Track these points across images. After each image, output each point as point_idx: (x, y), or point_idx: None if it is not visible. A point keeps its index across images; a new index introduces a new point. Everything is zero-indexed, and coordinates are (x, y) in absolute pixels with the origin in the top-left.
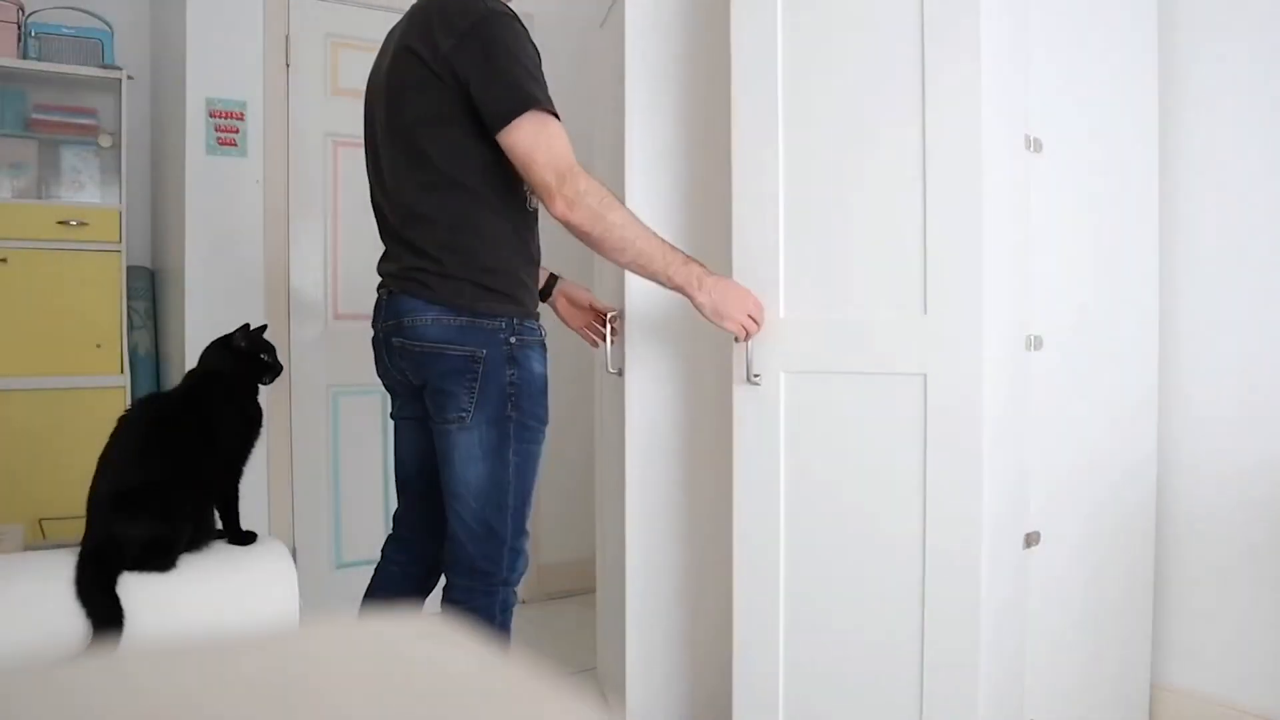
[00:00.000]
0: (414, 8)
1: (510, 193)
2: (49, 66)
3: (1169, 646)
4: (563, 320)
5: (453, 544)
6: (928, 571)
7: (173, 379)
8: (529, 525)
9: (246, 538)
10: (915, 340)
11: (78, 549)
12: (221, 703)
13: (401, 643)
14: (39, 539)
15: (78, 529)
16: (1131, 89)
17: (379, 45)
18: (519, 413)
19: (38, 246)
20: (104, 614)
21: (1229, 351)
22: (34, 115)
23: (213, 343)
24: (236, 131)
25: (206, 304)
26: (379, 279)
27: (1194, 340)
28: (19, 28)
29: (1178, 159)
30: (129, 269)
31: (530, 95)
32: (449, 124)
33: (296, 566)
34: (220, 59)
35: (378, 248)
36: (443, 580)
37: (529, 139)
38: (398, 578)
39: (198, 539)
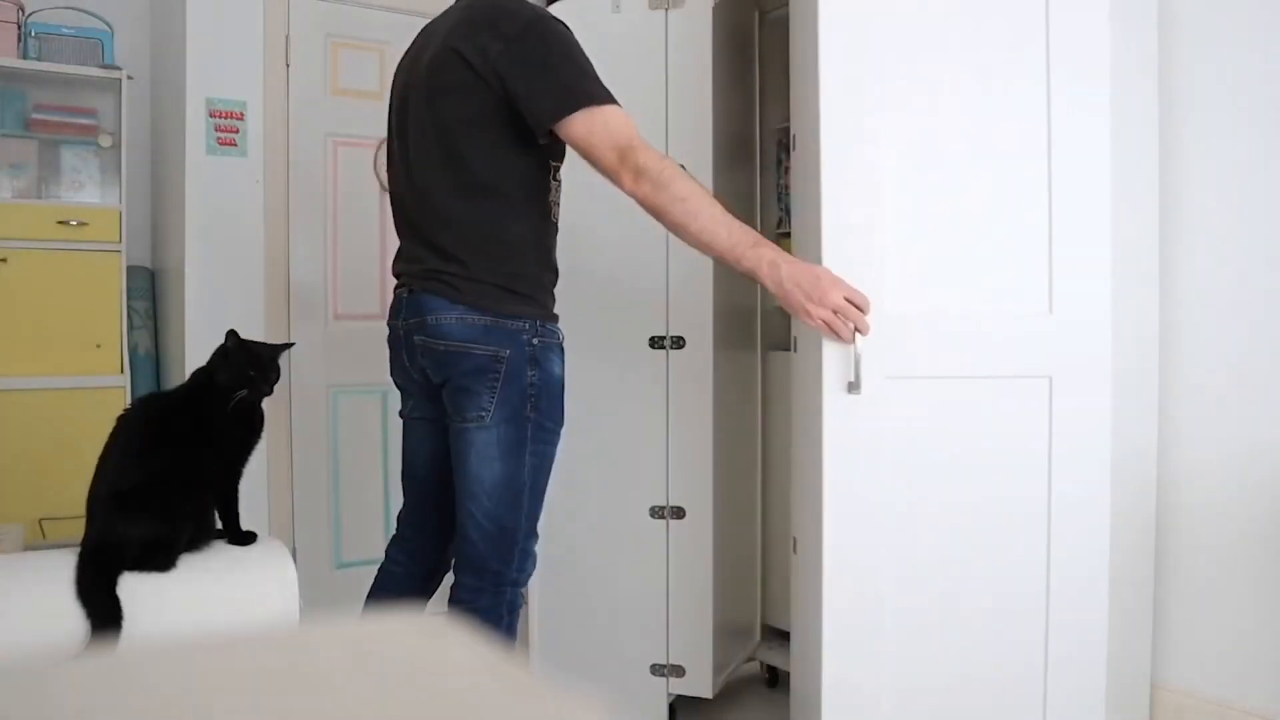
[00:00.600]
0: (457, 7)
1: (539, 201)
2: (49, 66)
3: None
4: None
5: (463, 543)
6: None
7: (173, 379)
8: (539, 527)
9: (246, 538)
10: (1039, 341)
11: (78, 549)
12: (219, 702)
13: (402, 642)
14: (39, 539)
15: (78, 529)
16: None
17: (379, 45)
18: (537, 414)
19: (38, 246)
20: (104, 614)
21: (1223, 339)
22: (34, 115)
23: (223, 349)
24: (236, 131)
25: (206, 304)
26: (395, 276)
27: (1193, 330)
28: (19, 28)
29: (1177, 147)
30: (129, 269)
31: (585, 91)
32: (488, 129)
33: (296, 566)
34: (220, 59)
35: (376, 248)
36: (448, 580)
37: (584, 127)
38: (400, 579)
39: (198, 539)
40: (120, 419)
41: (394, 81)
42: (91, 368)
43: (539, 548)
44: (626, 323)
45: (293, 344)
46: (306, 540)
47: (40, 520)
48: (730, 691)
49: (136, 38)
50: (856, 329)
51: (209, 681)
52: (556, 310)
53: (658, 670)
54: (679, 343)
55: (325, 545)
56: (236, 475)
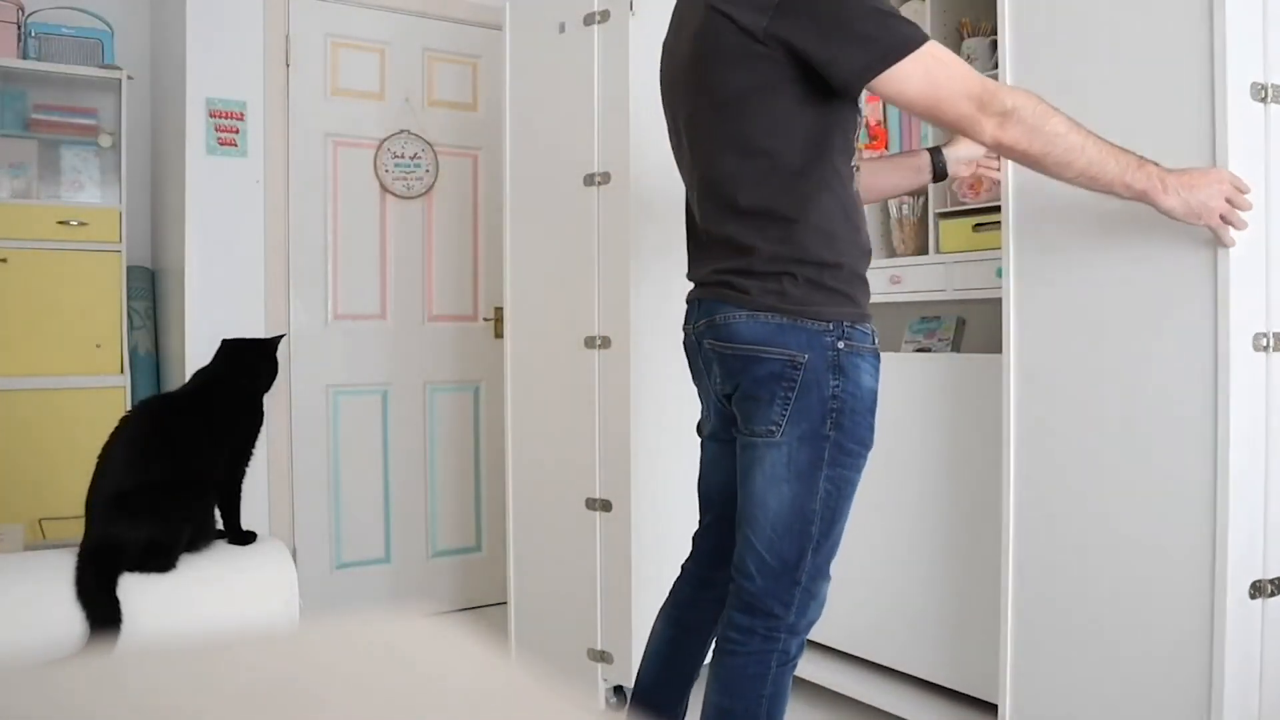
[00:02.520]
0: None
1: (840, 171)
2: (49, 66)
3: None
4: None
5: (738, 574)
6: None
7: (173, 379)
8: (832, 567)
9: (246, 538)
10: None
11: (77, 549)
12: (216, 704)
13: (400, 643)
14: (39, 539)
15: (78, 529)
16: None
17: (379, 45)
18: (839, 431)
19: (38, 246)
20: (103, 615)
21: None
22: (34, 115)
23: (235, 343)
24: (237, 131)
25: (207, 304)
26: (689, 285)
27: None
28: (19, 28)
29: None
30: (129, 269)
31: (895, 36)
32: (774, 94)
33: (296, 567)
34: (220, 59)
35: (376, 248)
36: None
37: (919, 79)
38: (700, 604)
39: (197, 539)
40: (123, 420)
41: (662, 68)
42: (92, 368)
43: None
44: (565, 322)
45: (283, 335)
46: (306, 541)
47: (40, 520)
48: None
49: (136, 37)
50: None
51: (206, 682)
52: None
53: (593, 655)
54: (606, 342)
55: (325, 546)
56: (240, 474)
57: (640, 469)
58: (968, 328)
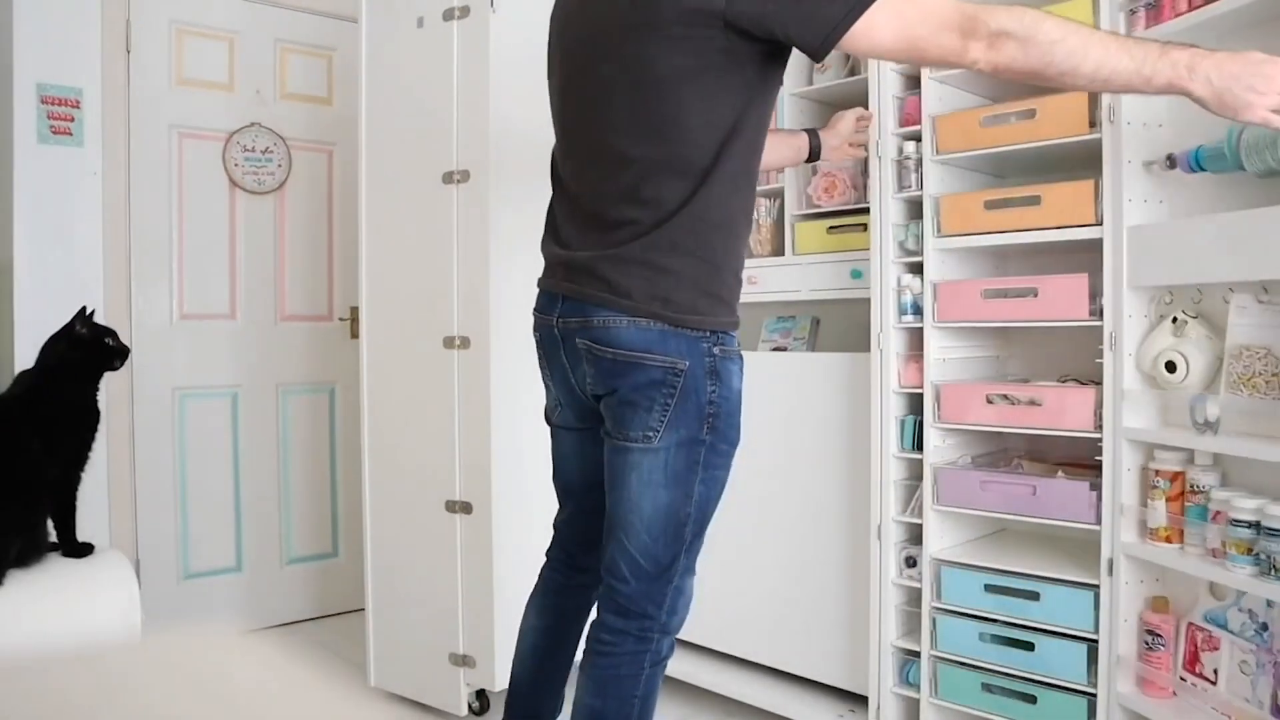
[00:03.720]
0: None
1: (750, 170)
2: None
3: None
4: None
5: (611, 577)
6: None
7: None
8: (697, 562)
9: (83, 550)
10: None
11: None
12: None
13: (209, 658)
14: None
15: None
16: None
17: (228, 35)
18: (714, 435)
19: None
20: None
21: None
22: None
23: (51, 337)
24: (72, 120)
25: (38, 303)
26: (551, 262)
27: None
28: None
29: None
30: None
31: None
32: (701, 81)
33: (140, 579)
34: (53, 43)
35: (225, 246)
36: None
37: (892, 24)
38: (553, 585)
39: (28, 553)
40: None
41: (560, 26)
42: None
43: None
44: (423, 322)
45: (84, 308)
46: (151, 551)
47: None
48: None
49: None
50: None
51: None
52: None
53: (455, 660)
54: (465, 343)
55: (171, 556)
56: (75, 481)
57: (500, 470)
58: (822, 327)
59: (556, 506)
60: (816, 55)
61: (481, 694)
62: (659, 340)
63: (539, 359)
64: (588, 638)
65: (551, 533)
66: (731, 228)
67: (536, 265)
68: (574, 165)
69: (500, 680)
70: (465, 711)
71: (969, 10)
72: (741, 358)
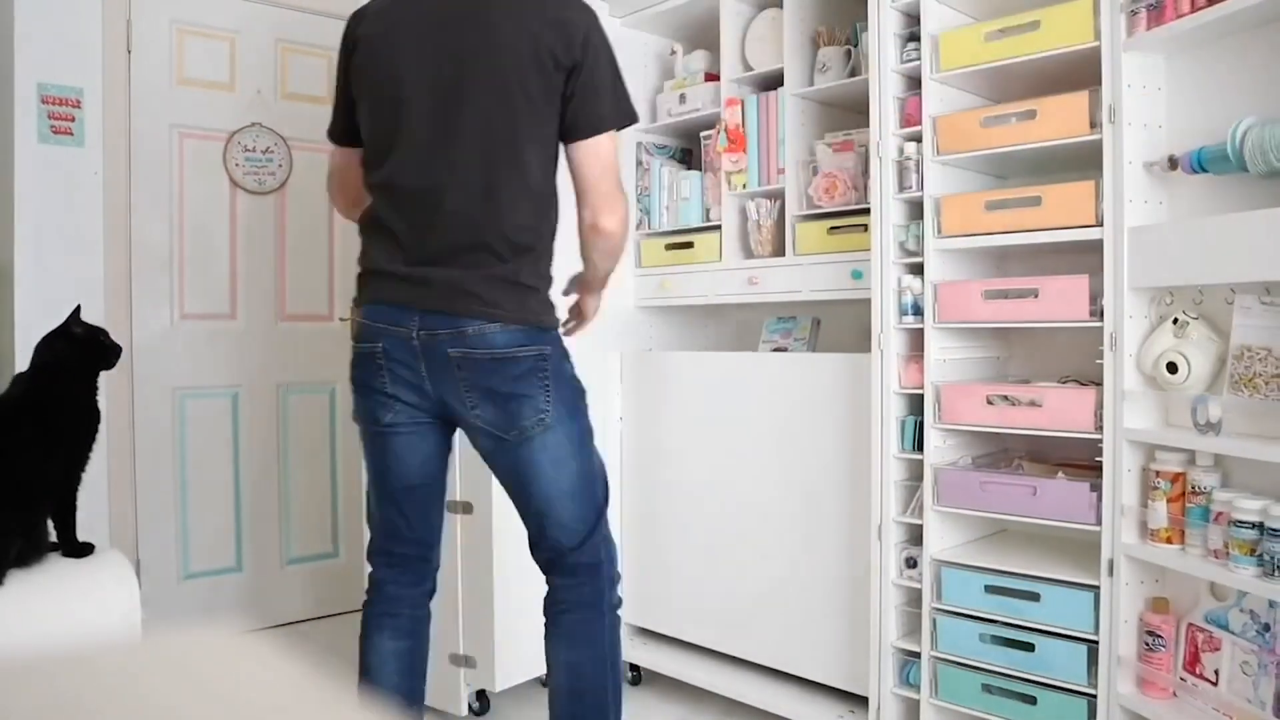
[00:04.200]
0: None
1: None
2: None
3: None
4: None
5: (551, 552)
6: None
7: (0, 383)
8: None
9: (83, 550)
10: None
11: None
12: None
13: (212, 659)
14: None
15: None
16: None
17: (228, 34)
18: (585, 404)
19: None
20: None
21: None
22: None
23: (45, 337)
24: (73, 120)
25: (40, 302)
26: (398, 276)
27: None
28: None
29: None
30: None
31: (623, 115)
32: (550, 123)
33: (140, 579)
34: (54, 43)
35: (226, 245)
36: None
37: (605, 150)
38: (407, 601)
39: (28, 554)
40: None
41: (393, 36)
42: None
43: None
44: None
45: (78, 306)
46: (151, 551)
47: None
48: None
49: None
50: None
51: (26, 701)
52: None
53: (455, 660)
54: None
55: (172, 556)
56: (76, 480)
57: None
58: (823, 327)
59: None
60: (567, 138)
61: (482, 694)
62: (524, 337)
63: (369, 366)
64: (547, 609)
65: (399, 548)
66: (552, 252)
67: None
68: (428, 184)
69: (501, 681)
70: (465, 712)
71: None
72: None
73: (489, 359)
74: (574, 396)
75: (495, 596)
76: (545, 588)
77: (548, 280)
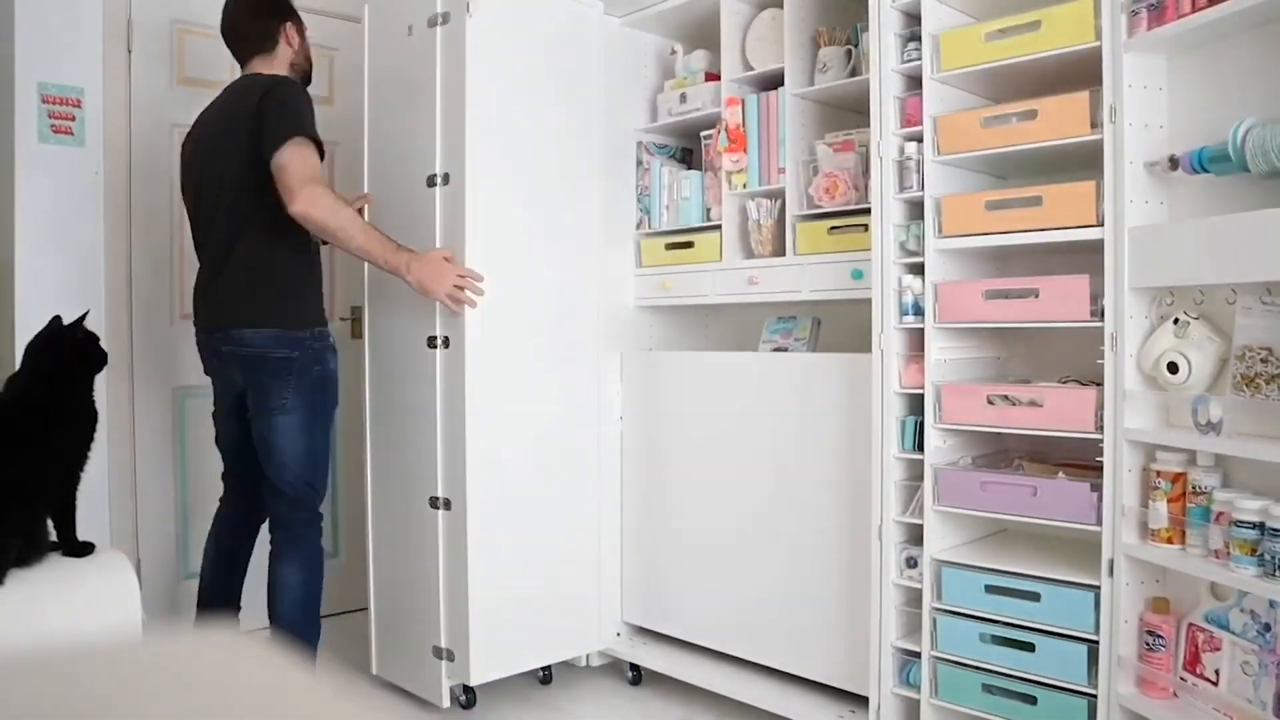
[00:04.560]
0: (228, 89)
1: (297, 234)
2: None
3: None
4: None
5: (279, 500)
6: None
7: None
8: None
9: (83, 549)
10: None
11: None
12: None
13: (206, 659)
14: None
15: None
16: None
17: None
18: (323, 398)
19: None
20: None
21: None
22: None
23: (39, 337)
24: (73, 119)
25: (40, 301)
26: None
27: None
28: None
29: None
30: None
31: (294, 128)
32: (258, 176)
33: (140, 578)
34: (54, 42)
35: None
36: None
37: (287, 153)
38: (235, 519)
39: (28, 553)
40: None
41: (187, 146)
42: None
43: None
44: (411, 322)
45: (87, 312)
46: (151, 551)
47: None
48: (569, 681)
49: None
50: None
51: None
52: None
53: (436, 653)
54: (446, 342)
55: (171, 555)
56: (75, 480)
57: (476, 466)
58: (823, 327)
59: (530, 505)
60: (267, 154)
61: (469, 690)
62: (274, 340)
63: (207, 365)
64: (273, 539)
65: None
66: (294, 274)
67: (512, 265)
68: (218, 240)
69: (476, 675)
70: (448, 704)
71: (319, 180)
72: (335, 350)
73: (247, 355)
74: (311, 391)
75: (471, 592)
76: (522, 583)
77: (287, 295)
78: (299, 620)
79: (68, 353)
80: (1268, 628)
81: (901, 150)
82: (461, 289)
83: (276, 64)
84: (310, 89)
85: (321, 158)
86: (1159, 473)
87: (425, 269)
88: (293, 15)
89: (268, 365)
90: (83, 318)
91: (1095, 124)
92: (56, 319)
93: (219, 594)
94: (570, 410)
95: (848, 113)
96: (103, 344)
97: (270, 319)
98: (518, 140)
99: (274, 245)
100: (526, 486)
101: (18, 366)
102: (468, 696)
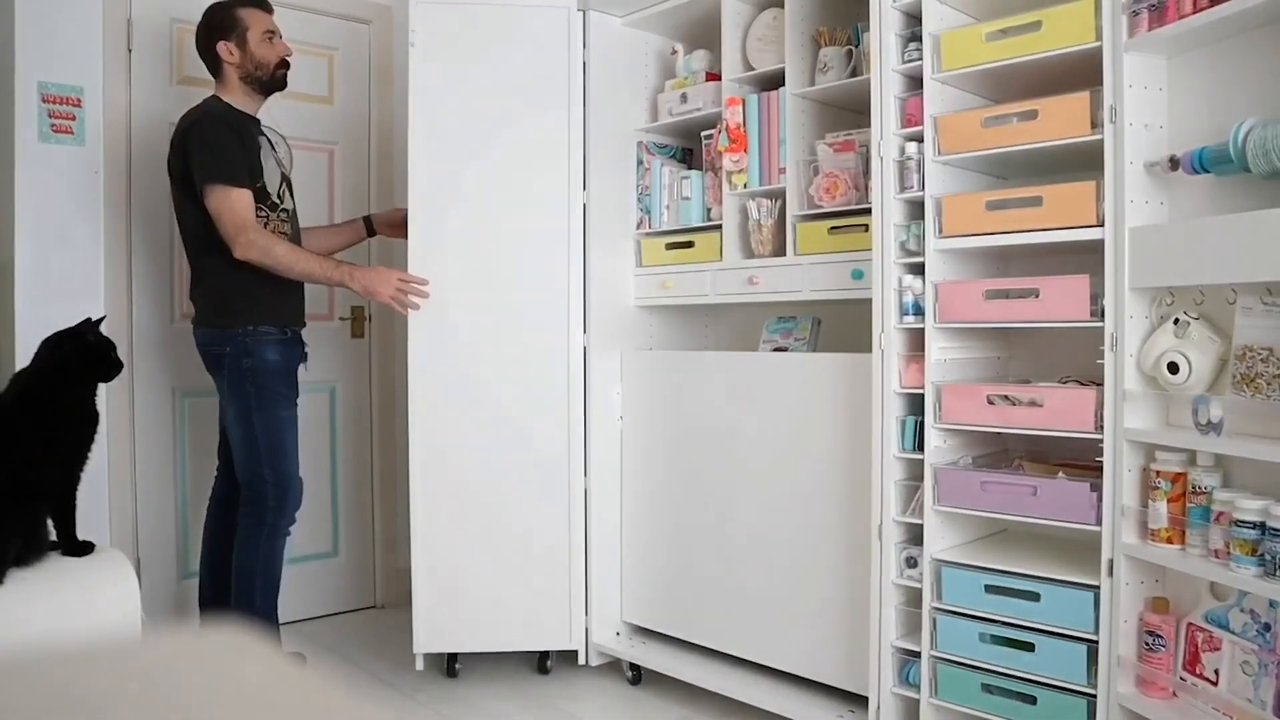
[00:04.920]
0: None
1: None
2: None
3: None
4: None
5: (242, 487)
6: None
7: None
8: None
9: (83, 548)
10: None
11: None
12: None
13: (199, 656)
14: None
15: None
16: None
17: None
18: (256, 388)
19: None
20: None
21: None
22: None
23: (53, 339)
24: (73, 119)
25: (40, 300)
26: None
27: None
28: None
29: None
30: None
31: (213, 175)
32: (197, 200)
33: (140, 578)
34: (54, 41)
35: None
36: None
37: (213, 203)
38: (227, 494)
39: (27, 553)
40: None
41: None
42: None
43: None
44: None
45: (103, 317)
46: (151, 550)
47: None
48: (569, 680)
49: None
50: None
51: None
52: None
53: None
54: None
55: (171, 555)
56: (74, 480)
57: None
58: (823, 327)
59: (503, 502)
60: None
61: (453, 658)
62: (212, 338)
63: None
64: (238, 527)
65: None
66: (234, 278)
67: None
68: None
69: (438, 644)
70: (421, 666)
71: (250, 224)
72: (283, 340)
73: (203, 352)
74: (240, 383)
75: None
76: (499, 564)
77: (228, 296)
78: (239, 605)
79: (74, 354)
80: (1268, 628)
81: (902, 150)
82: (405, 292)
83: (230, 85)
84: (310, 89)
85: (255, 183)
86: (1159, 473)
87: (367, 275)
88: (226, 31)
89: (209, 359)
90: (98, 322)
91: (1096, 124)
92: (87, 321)
93: (210, 568)
94: (533, 407)
95: (848, 113)
96: (119, 353)
97: (207, 317)
98: (479, 154)
99: (222, 252)
100: (486, 477)
101: (17, 365)
102: (449, 667)
